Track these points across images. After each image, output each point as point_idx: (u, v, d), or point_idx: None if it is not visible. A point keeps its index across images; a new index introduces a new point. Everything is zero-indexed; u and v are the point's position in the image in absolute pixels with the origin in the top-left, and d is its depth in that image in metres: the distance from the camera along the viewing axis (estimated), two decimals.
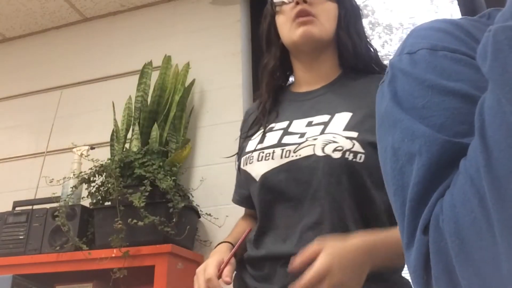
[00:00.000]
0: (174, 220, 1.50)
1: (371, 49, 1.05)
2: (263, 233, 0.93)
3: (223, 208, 1.68)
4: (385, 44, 2.01)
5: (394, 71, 0.49)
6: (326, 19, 0.98)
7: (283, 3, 1.00)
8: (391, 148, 0.45)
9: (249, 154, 0.96)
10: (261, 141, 0.96)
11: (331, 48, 1.03)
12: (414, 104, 0.45)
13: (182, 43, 2.11)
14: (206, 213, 1.69)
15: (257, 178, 0.92)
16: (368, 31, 2.06)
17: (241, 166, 0.98)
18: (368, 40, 1.05)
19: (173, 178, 1.59)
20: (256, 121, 1.05)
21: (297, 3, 0.96)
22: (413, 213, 0.40)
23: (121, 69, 2.16)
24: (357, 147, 0.86)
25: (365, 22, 2.08)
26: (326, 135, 0.88)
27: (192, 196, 1.74)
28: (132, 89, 1.92)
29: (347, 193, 0.85)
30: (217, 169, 1.78)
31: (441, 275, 0.37)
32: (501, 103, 0.32)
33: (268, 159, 0.92)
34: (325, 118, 0.93)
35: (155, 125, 1.75)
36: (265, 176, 0.91)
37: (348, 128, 0.89)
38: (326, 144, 0.87)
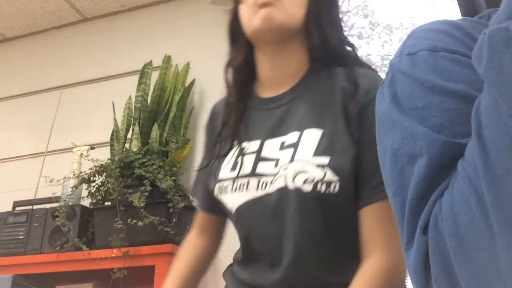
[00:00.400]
0: (174, 220, 1.51)
1: (348, 44, 0.94)
2: (247, 259, 0.87)
3: None
4: (385, 44, 2.01)
5: (394, 72, 0.49)
6: (291, 3, 0.86)
7: None
8: (391, 149, 0.45)
9: (223, 182, 0.87)
10: (234, 167, 0.87)
11: (299, 40, 0.90)
12: (414, 105, 0.45)
13: (182, 43, 2.11)
14: None
15: (233, 211, 0.85)
16: (368, 31, 2.07)
17: (216, 194, 0.89)
18: (344, 33, 0.95)
19: (173, 178, 1.59)
20: (226, 132, 0.93)
21: None
22: (412, 213, 0.40)
23: (121, 69, 2.16)
24: (330, 176, 0.76)
25: (365, 22, 2.09)
26: (296, 163, 0.80)
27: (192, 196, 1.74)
28: (132, 89, 1.92)
29: (323, 228, 0.78)
30: None
31: (440, 274, 0.37)
32: (498, 103, 0.32)
33: (243, 190, 0.84)
34: (294, 137, 0.83)
35: (155, 125, 1.75)
36: (239, 210, 0.84)
37: (318, 152, 0.79)
38: (296, 174, 0.79)
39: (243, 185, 0.84)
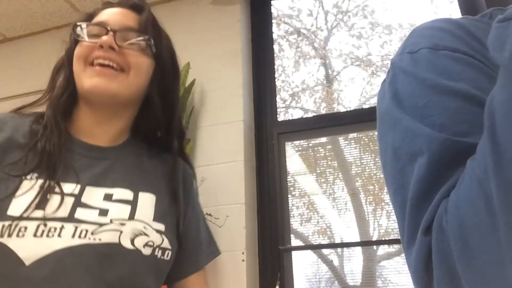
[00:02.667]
0: None
1: (181, 125, 0.92)
2: None
3: (223, 208, 1.69)
4: (385, 44, 2.02)
5: (395, 70, 0.49)
6: (134, 75, 0.80)
7: (82, 39, 0.81)
8: (392, 147, 0.45)
9: (18, 222, 0.67)
10: (41, 205, 0.69)
11: (132, 107, 0.86)
12: (415, 103, 0.44)
13: (182, 43, 2.10)
14: (207, 213, 1.69)
15: (27, 262, 0.65)
16: (368, 31, 2.07)
17: None
18: (180, 111, 0.92)
19: None
20: (27, 156, 0.75)
21: (101, 46, 0.77)
22: (413, 212, 0.40)
23: None
24: (166, 243, 0.78)
25: (365, 22, 2.09)
26: (136, 222, 0.76)
27: None
28: None
29: None
30: (217, 169, 1.79)
31: (443, 276, 0.36)
32: None
33: (53, 236, 0.68)
34: (127, 194, 0.79)
35: None
36: (45, 260, 0.66)
37: (156, 218, 0.79)
38: (137, 235, 0.74)
39: (55, 229, 0.68)
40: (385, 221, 1.78)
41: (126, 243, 0.72)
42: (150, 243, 0.75)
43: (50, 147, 0.77)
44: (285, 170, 1.87)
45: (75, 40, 0.85)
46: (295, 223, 1.82)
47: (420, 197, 0.40)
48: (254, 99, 2.01)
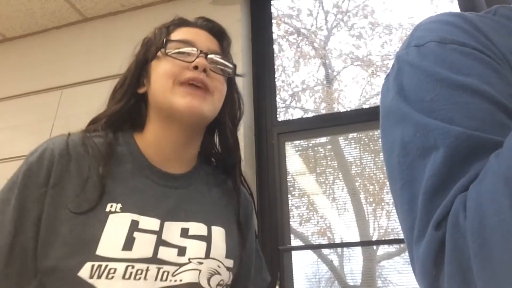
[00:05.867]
0: None
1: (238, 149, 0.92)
2: None
3: None
4: (385, 44, 2.02)
5: (401, 64, 0.48)
6: (218, 98, 0.82)
7: (178, 56, 0.80)
8: (401, 142, 0.44)
9: (107, 263, 0.64)
10: (129, 245, 0.67)
11: (203, 131, 0.87)
12: (422, 97, 0.43)
13: None
14: None
15: None
16: (368, 31, 2.07)
17: (83, 276, 0.63)
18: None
19: None
20: (91, 183, 0.71)
21: (196, 68, 0.78)
22: (426, 206, 0.39)
23: (121, 69, 2.16)
24: (230, 279, 0.79)
25: (365, 22, 2.09)
26: (212, 261, 0.74)
27: None
28: None
29: None
30: None
31: (455, 273, 0.36)
32: None
33: (140, 278, 0.66)
34: (202, 229, 0.77)
35: None
36: None
37: (228, 255, 0.78)
38: (212, 275, 0.74)
39: (141, 272, 0.67)
40: (385, 221, 1.78)
41: (204, 283, 0.72)
42: (221, 282, 0.76)
43: (124, 174, 0.75)
44: (285, 170, 1.87)
45: (152, 54, 0.85)
46: (295, 223, 1.82)
47: (434, 191, 0.39)
48: (254, 99, 2.01)
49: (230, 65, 0.85)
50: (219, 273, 0.75)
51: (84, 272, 0.63)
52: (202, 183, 0.85)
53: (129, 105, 0.84)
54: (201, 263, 0.73)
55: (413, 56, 0.47)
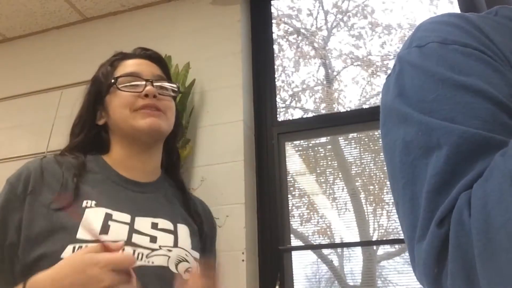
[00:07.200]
0: None
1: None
2: None
3: (224, 208, 1.68)
4: (385, 44, 2.02)
5: (402, 65, 0.48)
6: (170, 115, 0.98)
7: (129, 89, 0.94)
8: (403, 141, 0.44)
9: (87, 243, 0.75)
10: (105, 230, 0.79)
11: (161, 145, 1.01)
12: (424, 97, 0.43)
13: (182, 43, 2.11)
14: None
15: None
16: (368, 31, 2.07)
17: (65, 256, 0.74)
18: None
19: None
20: (67, 186, 0.84)
21: (146, 95, 0.93)
22: (430, 205, 0.39)
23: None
24: (199, 270, 0.87)
25: (365, 22, 2.09)
26: (180, 250, 0.86)
27: None
28: None
29: None
30: (217, 169, 1.78)
31: (459, 270, 0.36)
32: None
33: None
34: (169, 225, 0.89)
35: None
36: None
37: (193, 247, 0.90)
38: (180, 261, 0.84)
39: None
40: (385, 221, 1.78)
41: (172, 267, 0.82)
42: (189, 269, 0.85)
43: (97, 178, 0.89)
44: (285, 170, 1.87)
45: (105, 90, 0.97)
46: (295, 223, 1.82)
47: (437, 190, 0.39)
48: (254, 99, 2.01)
49: (174, 86, 1.01)
50: (187, 261, 0.85)
51: (67, 253, 0.74)
52: (166, 191, 0.98)
53: (91, 136, 0.98)
54: (170, 250, 0.84)
55: (414, 56, 0.47)
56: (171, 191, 1.00)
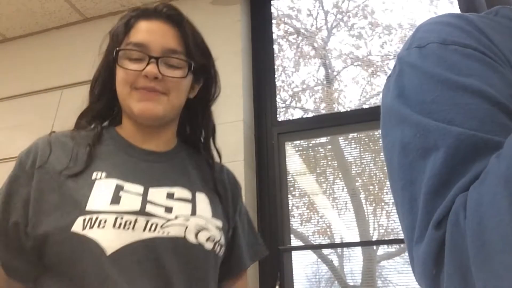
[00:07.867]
0: None
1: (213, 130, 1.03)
2: None
3: None
4: (385, 44, 2.02)
5: (402, 66, 0.48)
6: (175, 97, 0.86)
7: (130, 65, 0.85)
8: (400, 143, 0.44)
9: (97, 215, 0.72)
10: (116, 200, 0.75)
11: (175, 119, 0.94)
12: (423, 98, 0.43)
13: None
14: None
15: (108, 252, 0.70)
16: (368, 31, 2.07)
17: (76, 230, 0.71)
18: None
19: None
20: (78, 157, 0.81)
21: (146, 76, 0.83)
22: (427, 206, 0.39)
23: None
24: (222, 240, 0.84)
25: (365, 22, 2.09)
26: (198, 218, 0.81)
27: None
28: None
29: (213, 284, 0.82)
30: None
31: (455, 273, 0.36)
32: None
33: (129, 228, 0.73)
34: (186, 193, 0.84)
35: None
36: (122, 252, 0.71)
37: (215, 215, 0.85)
38: (200, 230, 0.79)
39: (130, 222, 0.73)
40: (385, 221, 1.78)
41: (191, 237, 0.78)
42: (212, 238, 0.81)
43: (109, 150, 0.85)
44: (285, 170, 1.87)
45: (114, 57, 0.89)
46: (295, 223, 1.82)
47: (435, 191, 0.39)
48: (254, 99, 2.01)
49: (183, 62, 0.88)
50: (207, 229, 0.81)
51: (77, 226, 0.71)
52: (183, 159, 0.92)
53: (111, 98, 0.92)
54: (187, 220, 0.79)
55: (414, 57, 0.47)
56: (191, 159, 0.94)
